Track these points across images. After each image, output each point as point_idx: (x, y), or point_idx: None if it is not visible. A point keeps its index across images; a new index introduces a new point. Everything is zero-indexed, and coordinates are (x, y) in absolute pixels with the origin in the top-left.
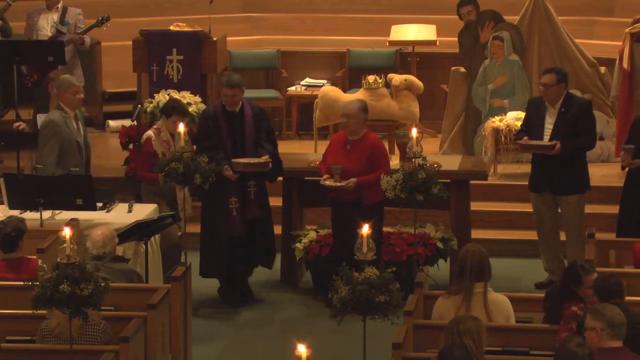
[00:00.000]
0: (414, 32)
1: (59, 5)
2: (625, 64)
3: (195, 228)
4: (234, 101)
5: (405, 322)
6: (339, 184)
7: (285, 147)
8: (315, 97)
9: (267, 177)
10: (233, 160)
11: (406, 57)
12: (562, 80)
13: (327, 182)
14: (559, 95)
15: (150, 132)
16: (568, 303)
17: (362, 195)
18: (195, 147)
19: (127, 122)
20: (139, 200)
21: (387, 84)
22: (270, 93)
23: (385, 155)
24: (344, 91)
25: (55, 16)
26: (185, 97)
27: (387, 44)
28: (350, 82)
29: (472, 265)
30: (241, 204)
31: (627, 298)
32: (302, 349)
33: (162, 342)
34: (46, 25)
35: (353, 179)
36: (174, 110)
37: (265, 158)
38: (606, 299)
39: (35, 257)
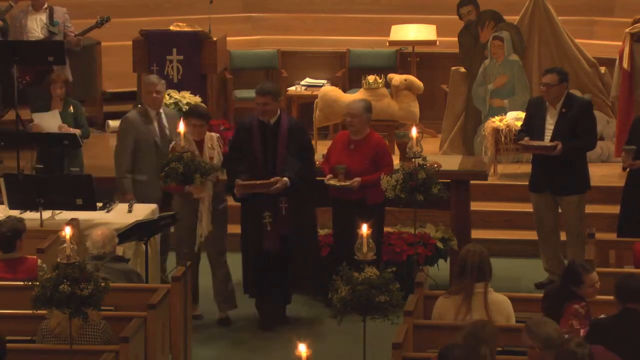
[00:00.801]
0: (414, 32)
1: (46, 6)
2: (625, 64)
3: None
4: (265, 110)
5: (405, 322)
6: (343, 183)
7: None
8: (315, 97)
9: (293, 194)
10: (237, 182)
11: (406, 57)
12: (564, 80)
13: (331, 182)
14: (560, 96)
15: (174, 143)
16: (568, 302)
17: (366, 195)
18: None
19: None
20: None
21: (387, 84)
22: None
23: (389, 155)
24: (344, 91)
25: (43, 17)
26: (185, 97)
27: (387, 44)
28: (350, 82)
29: (473, 265)
30: (274, 219)
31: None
32: (302, 349)
33: (162, 342)
34: (36, 27)
35: (357, 179)
36: (189, 113)
37: (276, 179)
38: (625, 300)
39: (32, 256)
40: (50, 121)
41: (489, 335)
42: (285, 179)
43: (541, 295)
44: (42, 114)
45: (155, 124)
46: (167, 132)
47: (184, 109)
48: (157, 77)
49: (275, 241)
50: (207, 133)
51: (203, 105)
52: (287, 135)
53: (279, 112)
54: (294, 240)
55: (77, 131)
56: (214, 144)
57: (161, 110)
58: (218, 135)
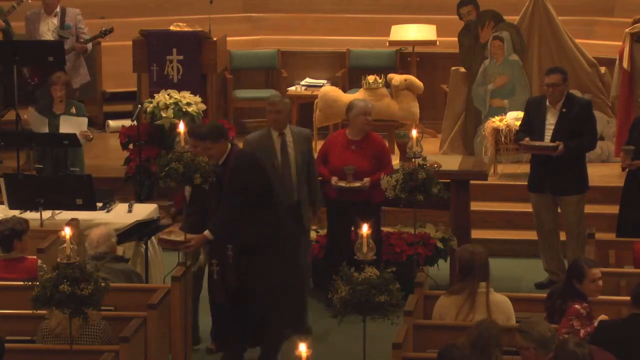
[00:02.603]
0: (414, 32)
1: (58, 9)
2: (625, 64)
3: None
4: (207, 155)
5: (405, 322)
6: (353, 184)
7: None
8: (315, 97)
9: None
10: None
11: (406, 57)
12: (566, 79)
13: (341, 183)
14: (562, 95)
15: None
16: (570, 301)
17: (371, 195)
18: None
19: (127, 122)
20: (139, 200)
21: (387, 84)
22: (270, 93)
23: (390, 154)
24: (344, 91)
25: (55, 20)
26: (185, 97)
27: (387, 44)
28: (350, 82)
29: (481, 265)
30: (222, 268)
31: (627, 298)
32: (302, 349)
33: (162, 342)
34: (47, 31)
35: (367, 179)
36: (189, 132)
37: (190, 237)
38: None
39: (32, 257)
40: (73, 127)
41: (496, 338)
42: (204, 233)
43: (541, 295)
44: (67, 118)
45: (277, 146)
46: (291, 155)
47: (184, 110)
48: (278, 96)
49: (222, 292)
50: None
51: (205, 124)
52: (228, 177)
53: (227, 150)
54: (243, 293)
55: (88, 134)
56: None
57: (286, 131)
58: None
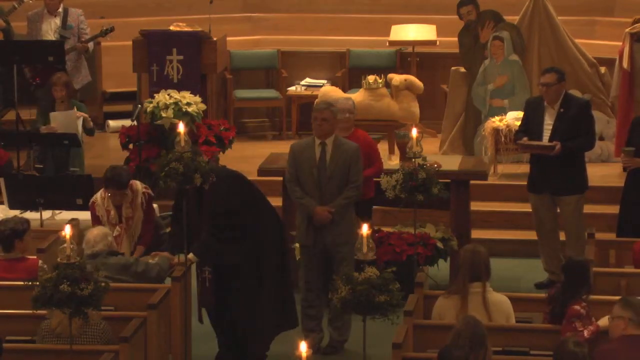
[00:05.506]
0: (414, 32)
1: (60, 9)
2: (625, 64)
3: None
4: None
5: (405, 322)
6: None
7: (286, 147)
8: (315, 97)
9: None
10: None
11: (406, 57)
12: (562, 79)
13: None
14: (558, 95)
15: (97, 195)
16: (570, 302)
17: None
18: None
19: (127, 122)
20: None
21: (387, 84)
22: (270, 93)
23: (377, 151)
24: (344, 91)
25: (57, 20)
26: (185, 97)
27: (387, 44)
28: (350, 82)
29: (464, 265)
30: (214, 275)
31: (627, 298)
32: (302, 349)
33: (162, 342)
34: (49, 31)
35: None
36: (105, 181)
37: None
38: None
39: (32, 257)
40: (65, 121)
41: (484, 329)
42: (188, 256)
43: (541, 295)
44: (57, 114)
45: (317, 154)
46: (328, 164)
47: (184, 110)
48: (325, 103)
49: (212, 299)
50: (131, 192)
51: (123, 167)
52: (208, 199)
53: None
54: (219, 315)
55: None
56: (134, 202)
57: (329, 141)
58: (143, 189)
